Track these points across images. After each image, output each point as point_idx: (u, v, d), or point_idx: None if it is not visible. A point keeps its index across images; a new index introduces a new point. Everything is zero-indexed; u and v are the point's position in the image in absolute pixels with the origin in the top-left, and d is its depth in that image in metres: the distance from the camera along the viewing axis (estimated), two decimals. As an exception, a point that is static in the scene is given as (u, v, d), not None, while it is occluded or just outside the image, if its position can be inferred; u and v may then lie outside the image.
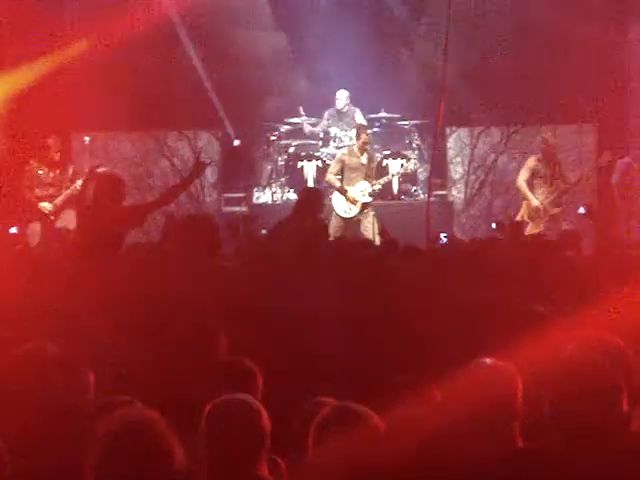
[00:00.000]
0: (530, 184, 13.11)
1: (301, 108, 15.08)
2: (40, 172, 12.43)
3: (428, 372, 4.65)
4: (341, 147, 14.70)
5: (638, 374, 4.28)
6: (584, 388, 3.80)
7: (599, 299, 5.83)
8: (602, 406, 3.79)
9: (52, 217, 12.36)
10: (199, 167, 8.99)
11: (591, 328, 4.94)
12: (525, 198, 13.15)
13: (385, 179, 13.88)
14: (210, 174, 15.33)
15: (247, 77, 15.35)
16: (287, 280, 7.13)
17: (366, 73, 15.15)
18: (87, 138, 13.54)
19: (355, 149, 13.47)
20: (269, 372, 5.23)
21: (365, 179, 13.31)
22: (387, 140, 15.23)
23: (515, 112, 15.08)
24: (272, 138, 15.30)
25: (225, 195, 15.80)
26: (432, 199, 12.55)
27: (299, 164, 14.85)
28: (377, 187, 13.48)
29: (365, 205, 13.21)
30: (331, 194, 13.39)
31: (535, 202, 12.96)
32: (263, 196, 15.34)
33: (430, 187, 11.76)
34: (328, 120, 15.10)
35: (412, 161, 14.49)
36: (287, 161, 15.01)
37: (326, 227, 10.66)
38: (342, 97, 15.03)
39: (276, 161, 15.20)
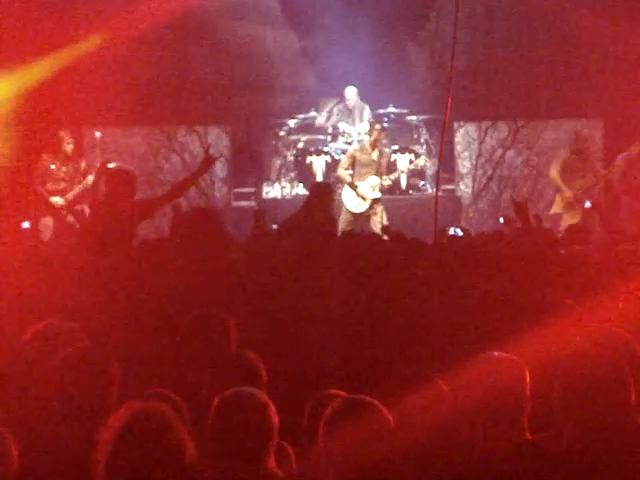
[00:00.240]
0: (562, 177, 13.13)
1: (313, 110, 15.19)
2: (52, 167, 12.43)
3: (435, 364, 4.68)
4: (350, 142, 14.75)
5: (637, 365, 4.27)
6: (592, 380, 3.80)
7: (606, 292, 5.83)
8: (610, 398, 3.79)
9: (64, 212, 12.38)
10: (208, 161, 9.04)
11: (598, 321, 4.98)
12: (559, 189, 13.17)
13: (395, 175, 13.93)
14: (220, 169, 15.39)
15: (256, 73, 15.40)
16: (296, 274, 7.15)
17: (375, 69, 15.17)
18: (98, 133, 13.56)
19: (367, 145, 13.50)
20: (278, 365, 5.28)
21: (375, 175, 13.34)
22: (395, 135, 15.26)
23: (522, 107, 15.10)
24: (281, 133, 15.35)
25: (235, 190, 15.83)
26: (440, 194, 12.54)
27: (308, 159, 14.88)
28: (387, 183, 13.53)
29: (375, 201, 13.25)
30: (341, 189, 13.44)
31: (569, 192, 12.99)
32: (272, 191, 15.37)
33: (438, 182, 11.74)
34: (337, 115, 15.14)
35: (422, 157, 14.52)
36: (296, 156, 15.05)
37: (335, 222, 10.70)
38: (351, 93, 15.07)
39: (285, 156, 15.25)
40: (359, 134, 14.72)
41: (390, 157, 14.37)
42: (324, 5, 15.51)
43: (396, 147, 14.77)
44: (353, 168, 13.40)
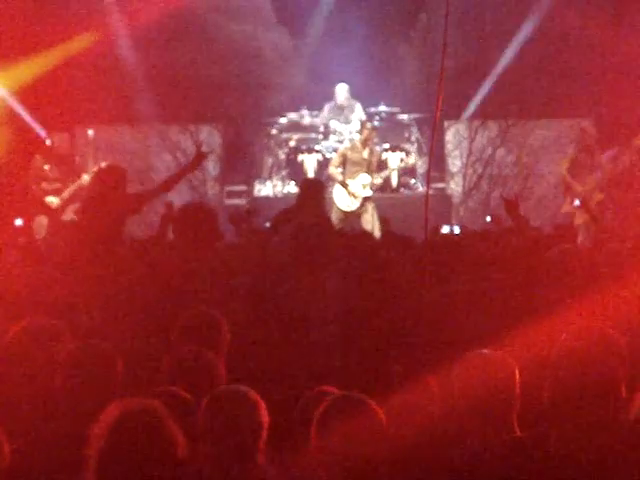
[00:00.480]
0: (572, 174, 13.14)
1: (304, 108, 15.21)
2: (46, 167, 12.42)
3: (426, 362, 4.68)
4: (341, 141, 14.79)
5: (631, 363, 4.32)
6: (581, 378, 3.83)
7: (595, 290, 5.87)
8: (599, 396, 3.82)
9: (60, 211, 12.34)
10: (199, 157, 9.07)
11: (587, 319, 5.02)
12: (569, 187, 13.17)
13: (386, 173, 13.99)
14: (212, 167, 15.43)
15: (248, 71, 15.44)
16: (288, 272, 7.17)
17: (366, 68, 15.23)
18: (91, 132, 13.57)
19: (358, 144, 13.54)
20: (269, 362, 5.32)
21: (366, 173, 13.39)
22: (386, 133, 15.29)
23: (512, 105, 15.15)
24: (273, 132, 15.38)
25: (227, 188, 15.86)
26: (431, 192, 12.59)
27: (300, 157, 14.94)
28: (378, 181, 13.57)
29: (366, 199, 13.29)
30: (332, 187, 13.48)
31: (580, 189, 13.02)
32: (264, 189, 15.41)
33: (429, 180, 11.82)
34: (328, 114, 15.18)
35: (412, 156, 14.57)
36: (288, 154, 15.10)
37: (329, 219, 10.73)
38: (342, 91, 15.11)
39: (277, 154, 15.29)
40: (350, 132, 14.77)
41: (381, 155, 14.42)
42: (315, 4, 15.56)
43: (387, 145, 14.82)
44: (344, 166, 13.44)
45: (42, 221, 12.34)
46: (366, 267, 7.29)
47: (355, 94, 15.18)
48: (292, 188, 14.83)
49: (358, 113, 15.05)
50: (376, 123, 15.09)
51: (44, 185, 12.38)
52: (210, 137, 15.38)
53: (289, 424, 4.29)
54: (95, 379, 4.40)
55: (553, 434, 3.87)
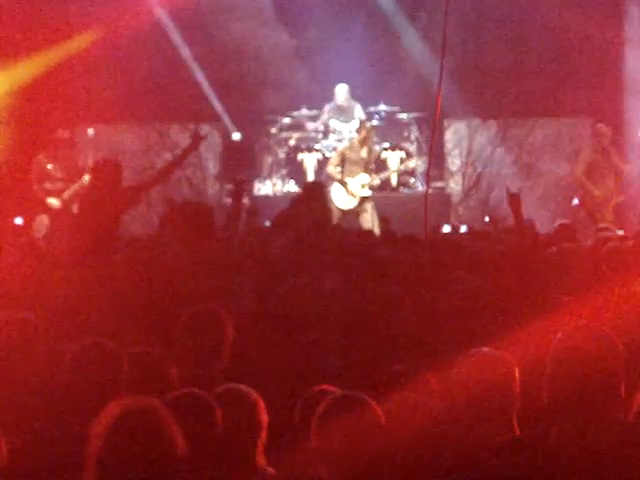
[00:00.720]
0: (588, 177, 13.06)
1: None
2: (49, 166, 12.39)
3: (426, 361, 4.71)
4: (341, 140, 14.82)
5: (629, 363, 4.32)
6: (580, 377, 3.83)
7: (595, 290, 5.90)
8: (599, 395, 3.83)
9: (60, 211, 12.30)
10: (195, 139, 9.03)
11: (587, 318, 5.03)
12: (586, 190, 13.08)
13: (385, 174, 14.04)
14: (212, 165, 15.46)
15: (248, 71, 15.46)
16: (289, 271, 7.19)
17: (366, 67, 15.25)
18: (91, 131, 13.58)
19: (356, 143, 13.58)
20: (269, 361, 5.33)
21: (365, 172, 13.41)
22: (386, 133, 15.32)
23: (512, 105, 15.16)
24: (273, 131, 15.40)
25: (226, 187, 15.88)
26: (430, 191, 12.60)
27: (299, 156, 14.97)
28: (377, 181, 13.61)
29: (365, 198, 13.32)
30: (331, 186, 13.50)
31: (596, 192, 12.96)
32: (264, 188, 15.44)
33: (428, 179, 11.84)
34: (328, 113, 15.21)
35: (412, 159, 14.60)
36: (287, 153, 15.13)
37: (329, 220, 10.76)
38: (342, 91, 15.13)
39: (276, 153, 15.32)
40: (350, 132, 14.79)
41: (380, 155, 14.45)
42: (315, 4, 15.57)
43: (386, 145, 14.85)
44: (343, 166, 13.48)
45: (44, 220, 12.31)
46: (365, 266, 7.32)
47: (355, 93, 15.21)
48: (292, 187, 14.86)
49: (358, 113, 15.07)
50: (375, 122, 15.12)
51: (47, 185, 12.34)
52: (210, 136, 15.38)
53: (289, 423, 4.29)
54: (100, 379, 4.43)
55: (552, 433, 3.85)
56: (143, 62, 15.00)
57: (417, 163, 14.98)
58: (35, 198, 12.35)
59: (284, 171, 15.20)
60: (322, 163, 14.63)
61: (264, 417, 4.07)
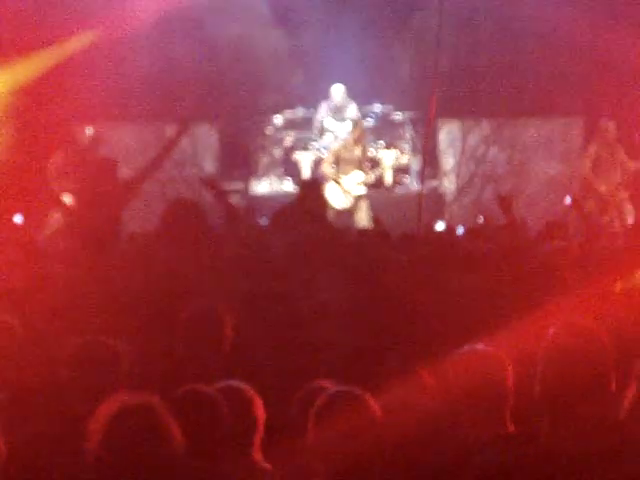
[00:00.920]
0: (595, 173, 13.08)
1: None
2: (66, 164, 12.31)
3: (420, 357, 4.76)
4: (336, 139, 14.88)
5: (618, 360, 4.38)
6: (571, 374, 3.86)
7: (584, 288, 5.95)
8: (589, 391, 3.86)
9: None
10: (183, 126, 9.02)
11: (576, 315, 5.09)
12: (593, 186, 13.10)
13: (379, 171, 14.10)
14: (208, 165, 15.51)
15: (244, 70, 15.49)
16: (287, 268, 7.24)
17: (361, 67, 15.30)
18: (89, 130, 13.57)
19: (350, 142, 13.66)
20: (266, 357, 5.39)
21: (359, 171, 13.49)
22: (381, 132, 15.39)
23: (505, 104, 15.22)
24: (269, 130, 15.47)
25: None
26: (424, 190, 12.66)
27: (295, 156, 15.05)
28: (371, 180, 13.68)
29: (359, 197, 13.40)
30: (326, 185, 13.57)
31: (603, 187, 12.97)
32: (260, 187, 15.50)
33: (423, 178, 11.92)
34: (324, 113, 15.27)
35: (405, 155, 14.68)
36: (283, 153, 15.21)
37: (325, 218, 10.82)
38: (337, 90, 15.20)
39: (272, 153, 15.38)
40: (345, 131, 14.86)
41: (374, 153, 14.53)
42: (311, 4, 15.61)
43: (381, 144, 14.92)
44: (337, 164, 13.56)
45: (58, 217, 12.18)
46: (360, 264, 7.37)
47: (350, 93, 15.27)
48: (288, 186, 14.94)
49: (353, 112, 15.14)
50: (370, 121, 15.19)
51: (64, 182, 12.25)
52: (207, 135, 15.46)
53: (285, 419, 4.32)
54: (98, 375, 4.47)
55: (543, 430, 3.88)
56: (140, 62, 15.02)
57: (411, 162, 15.05)
58: (51, 195, 12.26)
59: (280, 170, 15.27)
60: (318, 162, 14.70)
61: (261, 413, 4.11)
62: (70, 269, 7.27)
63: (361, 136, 13.62)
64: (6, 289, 6.50)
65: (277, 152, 15.33)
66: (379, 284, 6.73)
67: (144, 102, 14.95)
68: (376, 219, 12.98)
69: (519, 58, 15.35)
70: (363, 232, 10.60)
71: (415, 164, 15.09)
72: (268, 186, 15.31)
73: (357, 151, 13.59)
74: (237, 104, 15.54)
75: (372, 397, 3.94)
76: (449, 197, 15.74)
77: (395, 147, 14.94)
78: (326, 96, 15.26)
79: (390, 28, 15.95)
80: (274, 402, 4.28)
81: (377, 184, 14.37)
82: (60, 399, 4.53)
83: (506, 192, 11.97)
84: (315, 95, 15.38)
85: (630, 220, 12.43)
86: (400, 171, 14.98)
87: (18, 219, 11.87)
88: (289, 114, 15.45)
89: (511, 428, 4.11)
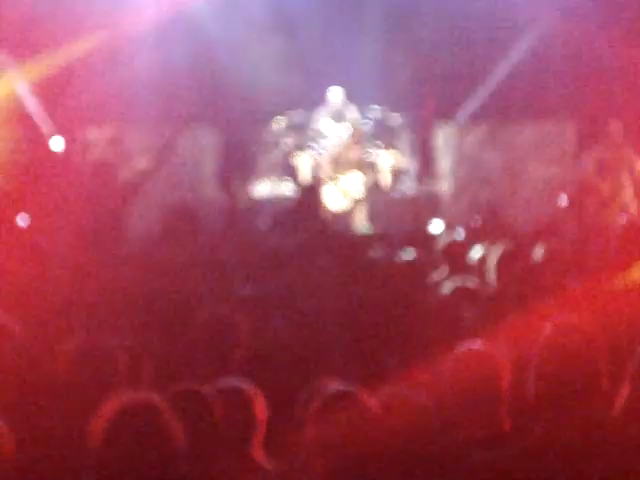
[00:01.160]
0: (598, 173, 13.09)
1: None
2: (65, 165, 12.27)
3: (417, 356, 4.83)
4: (335, 141, 14.92)
5: (611, 359, 4.43)
6: (564, 372, 3.91)
7: (578, 287, 5.99)
8: (582, 390, 3.90)
9: None
10: (178, 122, 9.07)
11: (566, 314, 5.14)
12: (595, 187, 13.09)
13: (376, 174, 14.13)
14: (208, 167, 15.54)
15: (244, 73, 15.52)
16: (287, 269, 7.27)
17: (359, 69, 15.34)
18: (90, 132, 13.58)
19: (348, 144, 13.69)
20: (268, 355, 5.43)
21: (357, 174, 13.53)
22: (378, 134, 15.44)
23: (501, 107, 15.26)
24: (268, 133, 15.51)
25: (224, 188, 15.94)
26: (421, 193, 12.74)
27: (294, 158, 15.10)
28: (369, 182, 13.73)
29: (357, 199, 13.44)
30: (324, 187, 13.61)
31: (606, 188, 12.96)
32: (260, 190, 15.54)
33: (420, 181, 11.99)
34: (323, 115, 15.31)
35: (404, 159, 14.72)
36: (282, 156, 15.25)
37: (325, 220, 10.88)
38: (336, 93, 15.26)
39: (271, 156, 15.43)
40: (344, 134, 14.91)
41: (373, 156, 14.57)
42: (309, 7, 15.66)
43: (379, 146, 14.97)
44: (335, 167, 13.60)
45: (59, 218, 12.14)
46: (359, 265, 7.42)
47: (348, 95, 15.31)
48: (287, 189, 14.99)
49: (351, 114, 15.19)
50: (368, 124, 15.23)
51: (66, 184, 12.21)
52: (207, 138, 15.50)
53: (285, 418, 4.27)
54: (99, 375, 4.50)
55: (537, 428, 3.92)
56: (140, 65, 15.04)
57: (409, 164, 15.09)
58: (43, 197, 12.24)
59: (280, 172, 15.31)
60: (316, 165, 14.75)
61: (262, 412, 4.14)
62: (70, 269, 7.28)
63: (359, 139, 13.66)
64: (6, 289, 6.51)
65: (276, 155, 15.37)
66: (377, 285, 6.76)
67: (143, 105, 14.97)
68: (373, 221, 13.03)
69: (516, 61, 15.36)
70: (361, 235, 10.62)
71: (413, 167, 15.12)
72: (267, 189, 15.35)
73: (355, 154, 13.62)
74: (236, 107, 15.57)
75: (371, 396, 3.95)
76: (446, 200, 15.75)
77: (393, 150, 14.98)
78: (325, 99, 15.31)
79: (388, 31, 15.98)
80: (274, 402, 4.29)
81: (375, 186, 14.40)
82: (60, 399, 4.53)
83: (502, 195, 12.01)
84: (314, 98, 15.42)
85: (631, 221, 12.41)
86: (398, 173, 15.01)
87: (19, 219, 11.87)
88: (288, 117, 15.49)
89: (506, 426, 4.13)
